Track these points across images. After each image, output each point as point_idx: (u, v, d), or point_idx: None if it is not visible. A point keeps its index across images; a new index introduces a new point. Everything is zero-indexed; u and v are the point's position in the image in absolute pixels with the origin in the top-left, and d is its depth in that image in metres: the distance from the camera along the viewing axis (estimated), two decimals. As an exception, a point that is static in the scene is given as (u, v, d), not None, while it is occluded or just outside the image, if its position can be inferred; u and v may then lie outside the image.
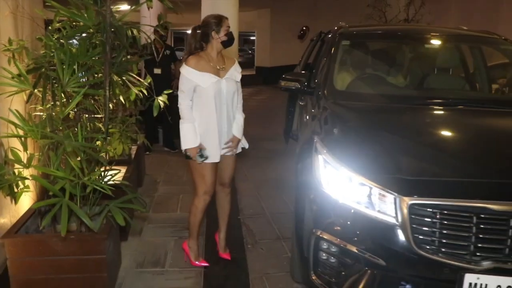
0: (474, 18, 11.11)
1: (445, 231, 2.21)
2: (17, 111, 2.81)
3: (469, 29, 4.41)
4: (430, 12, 11.58)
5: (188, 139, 3.12)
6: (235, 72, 3.23)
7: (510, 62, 4.10)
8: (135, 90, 3.56)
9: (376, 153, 2.52)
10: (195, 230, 3.42)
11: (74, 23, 3.06)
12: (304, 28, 10.38)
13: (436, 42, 4.11)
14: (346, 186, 2.43)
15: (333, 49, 3.75)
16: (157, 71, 6.61)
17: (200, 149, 3.11)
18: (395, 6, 12.10)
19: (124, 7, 3.31)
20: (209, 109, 3.11)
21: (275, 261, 3.52)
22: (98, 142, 3.17)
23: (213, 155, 3.17)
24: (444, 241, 2.20)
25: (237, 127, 3.27)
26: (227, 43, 3.14)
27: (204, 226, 4.05)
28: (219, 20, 3.11)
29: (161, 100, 3.53)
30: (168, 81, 6.71)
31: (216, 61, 3.15)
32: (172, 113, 6.24)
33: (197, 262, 3.42)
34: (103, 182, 2.83)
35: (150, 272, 3.35)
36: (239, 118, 3.29)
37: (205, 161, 3.13)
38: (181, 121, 3.17)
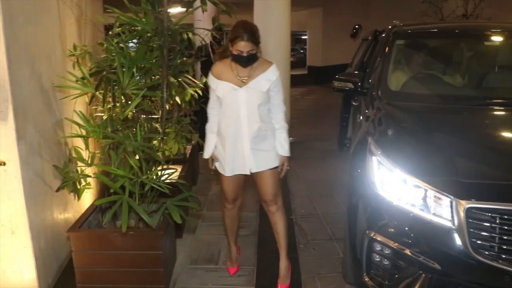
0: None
1: (505, 237, 2.13)
2: (80, 112, 2.96)
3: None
4: (491, 6, 11.09)
5: (204, 149, 3.12)
6: (263, 81, 2.88)
7: None
8: (190, 91, 3.65)
9: (431, 154, 2.47)
10: (229, 235, 3.40)
11: (133, 28, 3.18)
12: (356, 26, 10.20)
13: (495, 39, 3.96)
14: (400, 188, 2.39)
15: (387, 48, 3.69)
16: None
17: (212, 160, 3.09)
18: (452, 1, 11.64)
19: (178, 9, 3.39)
20: (227, 120, 2.94)
21: (327, 262, 3.51)
22: (155, 142, 3.28)
23: (221, 167, 3.04)
24: (504, 247, 2.13)
25: (281, 145, 3.00)
26: (236, 62, 2.86)
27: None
28: (235, 36, 2.79)
29: None
30: None
31: (241, 70, 2.87)
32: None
33: (227, 265, 3.44)
34: (160, 181, 2.92)
35: (203, 269, 3.43)
36: (280, 133, 3.01)
37: (220, 172, 3.06)
38: (205, 128, 3.14)
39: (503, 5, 11.58)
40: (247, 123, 2.89)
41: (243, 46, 2.76)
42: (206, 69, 6.69)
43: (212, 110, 3.07)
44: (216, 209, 4.65)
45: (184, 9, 3.11)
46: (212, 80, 2.97)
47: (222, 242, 3.85)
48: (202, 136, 5.97)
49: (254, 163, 2.95)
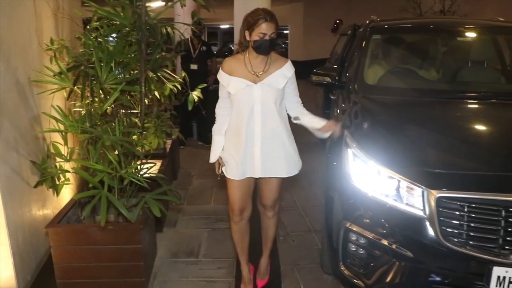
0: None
1: (473, 224, 2.22)
2: (58, 107, 2.97)
3: (505, 20, 4.33)
4: (467, 3, 11.31)
5: (211, 153, 2.90)
6: (279, 77, 2.73)
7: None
8: (169, 85, 3.68)
9: (404, 146, 2.55)
10: (239, 253, 3.12)
11: (111, 22, 3.19)
12: (337, 21, 10.33)
13: (469, 34, 4.07)
14: (375, 179, 2.47)
15: (364, 43, 3.77)
16: (193, 67, 6.78)
17: (219, 164, 2.90)
18: None
19: (158, 3, 3.40)
20: (239, 119, 2.74)
21: (306, 253, 3.59)
22: (134, 137, 3.30)
23: (230, 170, 2.83)
24: (472, 234, 2.22)
25: (317, 121, 2.88)
26: (257, 50, 2.66)
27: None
28: (255, 20, 2.58)
29: (196, 94, 3.60)
30: (204, 76, 6.87)
31: (256, 64, 2.72)
32: (206, 108, 6.39)
33: (258, 280, 3.19)
34: (139, 175, 2.96)
35: (184, 262, 3.48)
36: (310, 115, 2.90)
37: (228, 176, 2.86)
38: (212, 130, 2.93)
39: (479, 1, 11.81)
40: (261, 122, 2.71)
41: (266, 28, 2.57)
42: (186, 64, 6.75)
43: (221, 109, 2.86)
44: (197, 203, 4.70)
45: (163, 3, 3.14)
46: (223, 77, 2.76)
47: (203, 236, 3.91)
48: (182, 130, 6.05)
49: (264, 168, 2.77)
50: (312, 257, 3.51)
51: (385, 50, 4.05)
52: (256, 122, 2.71)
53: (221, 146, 2.85)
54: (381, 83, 3.57)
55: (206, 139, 7.17)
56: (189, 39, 6.84)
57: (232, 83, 2.71)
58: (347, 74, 3.77)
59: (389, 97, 3.29)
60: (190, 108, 3.52)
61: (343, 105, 3.45)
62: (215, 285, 3.17)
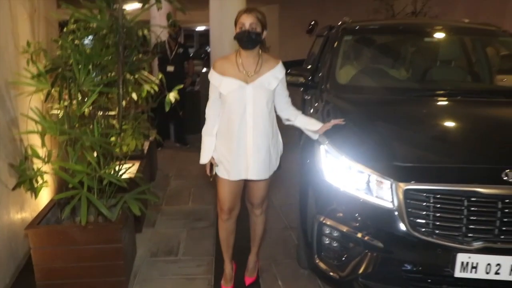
0: (481, 9, 11.13)
1: (438, 214, 2.36)
2: (37, 109, 3.02)
3: (470, 21, 4.53)
4: (438, 4, 11.60)
5: (201, 154, 2.93)
6: (271, 78, 2.75)
7: (509, 54, 4.23)
8: (146, 87, 3.75)
9: (374, 142, 2.69)
10: (224, 251, 3.17)
11: (87, 25, 3.25)
12: (312, 22, 10.44)
13: (437, 35, 4.23)
14: (346, 174, 2.60)
15: (335, 44, 3.92)
16: (170, 68, 6.82)
17: (211, 165, 2.93)
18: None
19: (134, 5, 3.46)
20: (231, 120, 2.76)
21: (283, 249, 3.70)
22: (113, 138, 3.36)
23: (223, 171, 2.87)
24: (438, 223, 2.36)
25: (311, 122, 2.91)
26: (239, 43, 2.71)
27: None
28: (237, 15, 2.71)
29: (172, 96, 3.65)
30: (181, 78, 6.93)
31: (248, 64, 2.74)
32: (183, 109, 6.45)
33: (222, 284, 3.21)
34: (118, 175, 3.02)
35: (163, 261, 3.55)
36: (302, 116, 2.94)
37: (221, 176, 2.90)
38: (202, 131, 2.96)
39: (449, 3, 12.13)
40: (253, 123, 2.73)
41: (244, 19, 2.64)
42: (163, 66, 6.82)
43: (211, 110, 2.87)
44: (175, 204, 4.77)
45: (139, 6, 3.21)
46: (214, 77, 2.77)
47: (181, 235, 3.99)
48: (160, 132, 6.09)
49: (256, 170, 2.81)
50: (289, 253, 3.62)
51: (357, 50, 4.19)
52: (248, 122, 2.73)
53: (212, 147, 2.88)
54: (352, 83, 3.71)
55: (184, 141, 7.24)
56: (166, 41, 6.90)
57: (224, 83, 2.73)
58: (320, 74, 3.90)
59: (360, 95, 3.42)
60: (167, 109, 3.58)
61: (315, 104, 3.58)
62: (194, 282, 3.25)
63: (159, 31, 3.55)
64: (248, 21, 2.65)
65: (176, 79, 6.40)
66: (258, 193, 2.98)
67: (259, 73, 2.73)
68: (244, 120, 2.74)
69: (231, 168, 2.81)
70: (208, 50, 8.19)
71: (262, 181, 2.91)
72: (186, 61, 7.23)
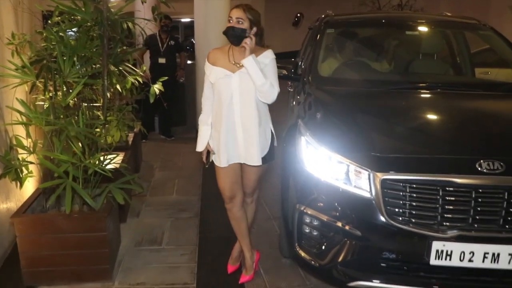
0: (464, 5, 11.29)
1: (414, 204, 2.46)
2: (22, 100, 3.06)
3: (452, 15, 4.63)
4: (422, -1, 11.71)
5: (197, 142, 3.05)
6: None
7: (489, 47, 4.35)
8: (131, 79, 3.79)
9: (353, 133, 2.78)
10: (239, 240, 3.22)
11: (72, 17, 3.28)
12: (298, 15, 10.49)
13: (420, 28, 4.33)
14: (326, 165, 2.69)
15: (318, 36, 4.00)
16: (162, 60, 6.98)
17: (208, 152, 3.04)
18: None
19: None
20: (219, 108, 2.89)
21: (266, 239, 3.79)
22: (97, 129, 3.41)
23: (216, 158, 2.99)
24: (414, 212, 2.46)
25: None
26: (226, 37, 2.82)
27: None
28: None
29: (157, 87, 3.69)
30: (172, 70, 7.03)
31: (238, 55, 2.85)
32: (170, 101, 6.50)
33: (229, 264, 3.34)
34: (103, 166, 3.08)
35: (148, 250, 3.62)
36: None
37: (216, 164, 3.00)
38: (199, 120, 3.08)
39: None
40: (240, 110, 2.84)
41: (233, 12, 2.77)
42: (154, 58, 6.88)
43: (206, 100, 3.01)
44: (160, 194, 4.84)
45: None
46: (206, 67, 2.93)
47: (165, 225, 4.06)
48: (144, 124, 6.13)
49: (247, 154, 2.91)
50: (271, 243, 3.71)
51: (339, 43, 4.28)
52: (235, 111, 2.84)
53: (207, 135, 3.00)
54: (334, 75, 3.80)
55: (168, 133, 7.29)
56: (157, 33, 6.99)
57: (213, 72, 2.87)
58: (303, 67, 3.98)
59: (341, 88, 3.51)
60: (151, 101, 3.63)
61: (298, 96, 3.66)
62: (178, 271, 3.33)
63: (144, 24, 3.57)
64: (235, 15, 2.76)
65: (168, 71, 6.45)
66: (249, 183, 3.08)
67: None
68: (231, 108, 2.85)
69: (222, 155, 2.92)
70: (194, 42, 8.20)
71: (254, 168, 3.00)
72: (178, 53, 7.31)
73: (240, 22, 2.75)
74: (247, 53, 2.75)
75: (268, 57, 2.89)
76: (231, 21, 2.77)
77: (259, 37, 2.87)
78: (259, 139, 2.90)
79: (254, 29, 2.81)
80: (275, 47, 3.19)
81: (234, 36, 2.77)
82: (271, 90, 2.80)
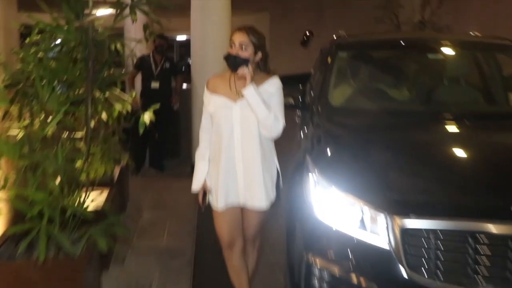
0: (499, 18, 11.24)
1: (440, 253, 2.42)
2: (-7, 129, 3.07)
3: (481, 34, 4.65)
4: (449, 13, 11.74)
5: (193, 180, 3.07)
6: (262, 94, 2.83)
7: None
8: (118, 106, 3.80)
9: (368, 171, 2.77)
10: None
11: (53, 36, 3.31)
12: (307, 33, 10.57)
13: (443, 51, 4.37)
14: (337, 207, 2.68)
15: (329, 61, 4.04)
16: (155, 85, 6.99)
17: (204, 192, 3.06)
18: (408, 6, 12.19)
19: (107, 11, 3.52)
20: (218, 142, 2.93)
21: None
22: (79, 163, 3.40)
23: (214, 201, 3.01)
24: (439, 263, 2.41)
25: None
26: (226, 63, 2.89)
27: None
28: (232, 31, 2.94)
29: (147, 116, 3.67)
30: (166, 96, 7.04)
31: (240, 83, 2.86)
32: (160, 131, 6.51)
33: None
34: (84, 206, 3.06)
35: (132, 303, 3.58)
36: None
37: (213, 206, 3.03)
38: (195, 155, 3.12)
39: (461, 12, 12.26)
40: (241, 144, 2.87)
41: (235, 36, 2.83)
42: (147, 82, 6.91)
43: (204, 133, 3.05)
44: (148, 238, 4.81)
45: (110, 11, 3.28)
46: (205, 96, 2.98)
47: (154, 274, 4.02)
48: (133, 156, 6.13)
49: (248, 195, 2.92)
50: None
51: (353, 68, 4.32)
52: (236, 145, 2.88)
53: (204, 172, 3.03)
54: (346, 105, 3.83)
55: (160, 166, 7.28)
56: (151, 54, 7.05)
57: (212, 101, 2.93)
58: (311, 95, 4.01)
59: (355, 119, 3.54)
60: (141, 131, 3.62)
61: (306, 128, 3.67)
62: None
63: (134, 44, 3.61)
64: (238, 39, 2.83)
65: (161, 97, 6.47)
66: (249, 228, 3.09)
67: None
68: (231, 142, 2.88)
69: (219, 195, 2.93)
70: (190, 63, 8.30)
71: (254, 216, 3.02)
72: (174, 76, 7.33)
73: (244, 48, 2.81)
74: (247, 82, 2.77)
75: (273, 85, 2.93)
76: (233, 46, 2.83)
77: (264, 62, 2.93)
78: (263, 178, 2.90)
79: (259, 54, 2.88)
80: (282, 69, 3.22)
81: (235, 66, 2.82)
82: (275, 123, 2.82)
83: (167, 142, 7.31)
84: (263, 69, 2.95)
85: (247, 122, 2.86)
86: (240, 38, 2.82)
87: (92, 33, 3.10)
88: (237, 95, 2.88)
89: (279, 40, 16.44)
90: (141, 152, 7.28)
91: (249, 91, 2.76)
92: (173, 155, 7.88)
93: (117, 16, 3.27)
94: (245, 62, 2.80)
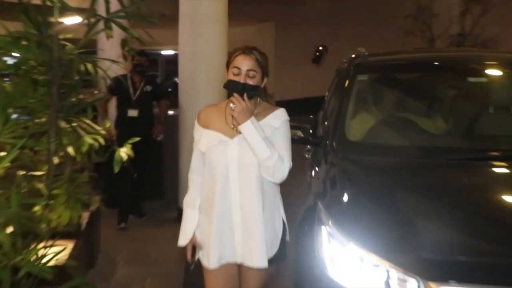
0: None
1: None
2: None
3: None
4: (494, 23, 11.66)
5: (180, 233, 3.06)
6: (264, 128, 2.82)
7: None
8: (88, 139, 3.79)
9: (395, 224, 2.75)
10: None
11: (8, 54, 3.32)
12: (320, 48, 10.69)
13: (487, 72, 4.37)
14: (356, 268, 2.64)
15: (346, 85, 4.04)
16: (133, 113, 6.87)
17: (194, 248, 3.04)
18: (444, 15, 12.10)
19: (74, 19, 3.51)
20: (211, 185, 2.91)
21: None
22: (37, 209, 3.38)
23: (205, 257, 2.98)
24: None
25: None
26: (228, 91, 2.87)
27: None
28: (232, 54, 2.89)
29: (124, 151, 3.64)
30: (147, 126, 6.98)
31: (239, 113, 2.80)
32: (140, 170, 6.47)
33: None
34: (41, 263, 3.02)
35: None
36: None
37: (203, 264, 2.99)
38: (183, 201, 3.11)
39: (509, 22, 12.16)
40: (239, 191, 2.86)
41: (242, 61, 2.80)
42: (124, 108, 6.84)
43: (194, 175, 3.05)
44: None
45: (79, 20, 3.28)
46: (196, 130, 2.98)
47: None
48: (107, 198, 6.09)
49: (246, 251, 2.89)
50: None
51: (375, 94, 4.31)
52: (232, 190, 2.86)
53: (194, 223, 3.01)
54: (368, 139, 3.81)
55: (139, 211, 7.22)
56: (129, 75, 6.94)
57: (204, 137, 2.92)
58: (325, 126, 4.00)
59: (378, 158, 3.51)
60: (116, 170, 3.60)
61: (317, 168, 3.66)
62: None
63: (109, 64, 3.62)
64: (246, 65, 2.80)
65: (141, 127, 6.45)
66: (248, 286, 3.04)
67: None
68: (227, 187, 2.87)
69: (211, 252, 2.90)
70: (178, 82, 8.30)
71: (256, 271, 2.95)
72: (157, 101, 7.31)
73: (253, 76, 2.80)
74: (244, 113, 2.75)
75: (279, 118, 2.91)
76: (236, 72, 2.81)
77: (264, 90, 2.94)
78: (264, 230, 2.87)
79: (265, 80, 2.89)
80: (288, 91, 3.22)
81: (242, 87, 2.78)
82: (279, 165, 2.79)
83: (148, 181, 7.25)
84: (264, 97, 2.95)
85: (246, 163, 2.84)
86: (248, 64, 2.80)
87: (58, 50, 3.11)
88: (235, 129, 2.87)
89: (285, 55, 16.54)
90: (124, 195, 7.08)
91: (247, 126, 2.75)
92: (155, 197, 7.83)
93: (89, 31, 3.29)
94: (256, 90, 2.83)
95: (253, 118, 2.77)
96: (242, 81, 2.79)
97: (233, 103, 2.77)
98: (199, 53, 7.04)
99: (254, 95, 2.84)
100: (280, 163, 2.79)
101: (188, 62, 7.33)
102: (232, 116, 2.85)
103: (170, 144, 7.69)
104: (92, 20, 3.23)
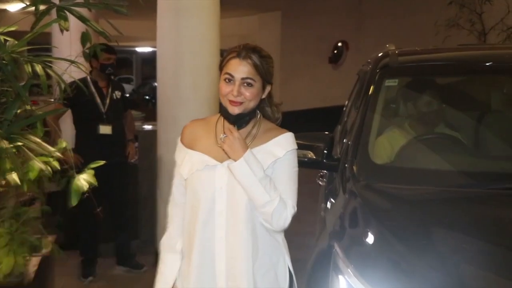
0: None
1: None
2: None
3: None
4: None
5: (158, 280, 3.06)
6: (263, 154, 2.83)
7: None
8: (38, 163, 3.79)
9: (431, 271, 2.73)
10: None
11: None
12: (339, 45, 10.64)
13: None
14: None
15: (371, 93, 4.04)
16: (105, 129, 6.51)
17: None
18: (500, 2, 12.00)
19: (17, 5, 3.50)
20: (192, 221, 2.91)
21: None
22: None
23: None
24: None
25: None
26: (223, 114, 2.90)
27: None
28: (226, 55, 2.87)
29: (84, 178, 3.61)
30: (122, 146, 6.84)
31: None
32: (111, 203, 6.44)
33: None
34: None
35: None
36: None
37: None
38: (160, 243, 3.12)
39: None
40: (225, 230, 2.83)
41: (235, 66, 2.78)
42: (92, 124, 6.70)
43: (174, 208, 3.05)
44: None
45: (22, 6, 3.28)
46: (179, 151, 2.99)
47: None
48: (64, 239, 6.06)
49: None
50: None
51: (407, 104, 4.32)
52: (217, 228, 2.83)
53: (174, 270, 3.01)
54: (397, 162, 3.82)
55: (131, 261, 7.11)
56: (90, 79, 6.44)
57: (187, 160, 2.90)
58: (344, 144, 4.00)
59: (410, 186, 3.51)
60: (74, 202, 3.57)
61: (333, 198, 3.65)
62: None
63: (65, 67, 3.62)
64: (240, 72, 2.78)
65: (115, 147, 6.36)
66: None
67: (250, 147, 2.81)
68: (211, 222, 2.84)
69: None
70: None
71: None
72: (126, 111, 7.13)
73: (250, 85, 2.78)
74: (234, 148, 2.74)
75: (283, 147, 2.86)
76: (230, 80, 2.79)
77: (268, 99, 2.94)
78: (253, 280, 2.83)
79: (268, 88, 2.87)
80: (297, 98, 3.21)
81: (237, 119, 2.83)
82: (280, 212, 2.75)
83: (119, 214, 7.16)
84: (270, 108, 2.95)
85: (235, 193, 2.81)
86: (243, 71, 2.78)
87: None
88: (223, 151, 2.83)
89: (293, 53, 16.51)
90: (85, 237, 6.94)
91: (241, 168, 2.73)
92: (129, 236, 7.81)
93: (37, 22, 3.27)
94: (249, 117, 2.87)
95: (248, 153, 2.73)
96: (235, 91, 2.76)
97: (224, 133, 2.78)
98: (184, 50, 6.93)
99: (251, 115, 2.87)
100: (281, 208, 2.75)
101: (169, 62, 7.20)
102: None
103: (147, 168, 7.58)
104: (41, 7, 3.22)
